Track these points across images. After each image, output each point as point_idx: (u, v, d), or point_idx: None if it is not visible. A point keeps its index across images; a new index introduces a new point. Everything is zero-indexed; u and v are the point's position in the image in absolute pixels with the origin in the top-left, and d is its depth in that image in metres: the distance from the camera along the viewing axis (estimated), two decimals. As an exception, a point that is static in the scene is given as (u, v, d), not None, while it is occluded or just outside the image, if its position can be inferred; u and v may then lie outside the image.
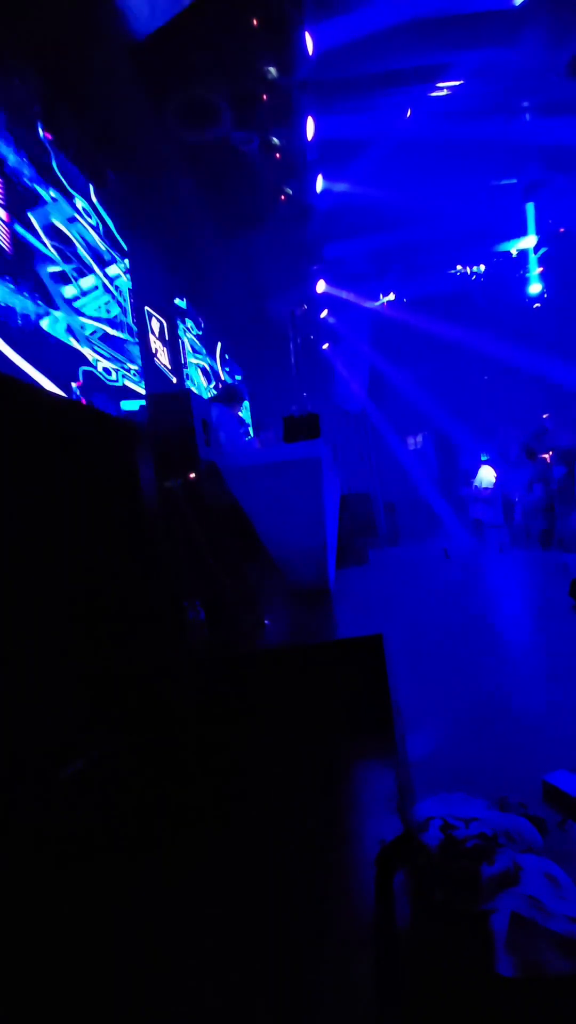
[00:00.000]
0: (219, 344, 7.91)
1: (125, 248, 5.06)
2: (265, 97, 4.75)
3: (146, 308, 5.41)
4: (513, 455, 7.14)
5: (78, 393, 4.08)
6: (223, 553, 3.57)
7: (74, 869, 1.49)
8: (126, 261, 5.05)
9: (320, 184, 6.41)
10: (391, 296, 9.01)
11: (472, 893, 0.84)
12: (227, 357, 8.48)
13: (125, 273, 4.98)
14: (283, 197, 6.08)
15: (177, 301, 6.52)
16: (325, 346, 9.85)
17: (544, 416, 7.41)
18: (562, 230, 7.53)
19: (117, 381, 4.62)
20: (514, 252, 7.85)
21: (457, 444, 8.87)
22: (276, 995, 1.02)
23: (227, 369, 8.22)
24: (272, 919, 1.22)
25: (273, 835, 1.54)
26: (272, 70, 4.38)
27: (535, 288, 8.40)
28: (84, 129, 4.43)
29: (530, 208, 7.08)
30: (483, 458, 7.31)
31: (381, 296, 8.87)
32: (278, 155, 5.39)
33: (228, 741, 2.13)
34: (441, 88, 5.39)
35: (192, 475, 3.67)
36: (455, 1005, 0.81)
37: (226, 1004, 1.02)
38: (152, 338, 5.54)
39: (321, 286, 8.66)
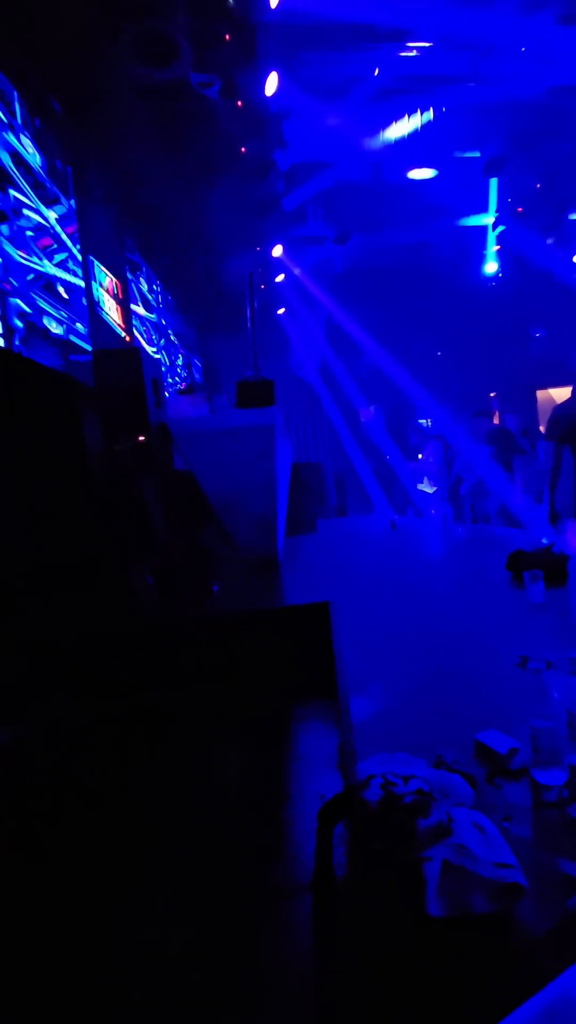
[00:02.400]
0: (169, 299, 7.61)
1: (71, 190, 4.73)
2: (228, 37, 4.47)
3: (92, 257, 5.11)
4: (458, 432, 7.34)
5: (19, 344, 3.84)
6: (173, 518, 3.52)
7: (18, 840, 1.48)
8: (71, 201, 4.73)
9: (282, 142, 6.18)
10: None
11: (408, 844, 0.89)
12: (181, 316, 8.19)
13: (68, 217, 4.66)
14: (243, 150, 5.82)
15: (127, 252, 6.20)
16: (281, 311, 9.67)
17: (491, 395, 7.64)
18: (520, 210, 7.61)
19: (63, 335, 4.37)
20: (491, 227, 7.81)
21: (408, 418, 9.02)
22: (219, 941, 1.07)
23: (171, 331, 7.93)
24: (215, 870, 1.26)
25: (218, 793, 1.58)
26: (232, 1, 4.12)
27: (491, 267, 8.50)
28: (28, 56, 4.04)
29: (493, 184, 7.08)
30: (423, 421, 7.46)
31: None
32: (240, 103, 5.12)
33: (174, 704, 2.14)
34: (411, 48, 5.25)
35: (142, 437, 3.56)
36: (387, 944, 0.87)
37: (171, 952, 1.05)
38: (100, 290, 5.26)
39: (278, 250, 8.43)
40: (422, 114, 6.14)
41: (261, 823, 1.43)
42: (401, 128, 6.28)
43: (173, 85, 4.73)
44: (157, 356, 6.92)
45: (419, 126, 6.20)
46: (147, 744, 1.90)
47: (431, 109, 6.09)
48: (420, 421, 8.52)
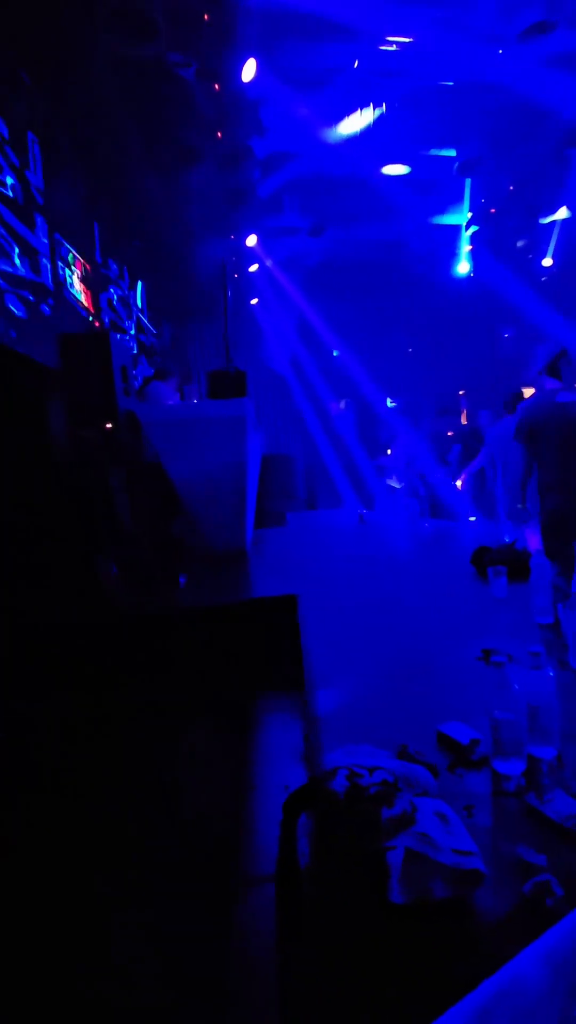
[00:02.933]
0: (140, 283, 7.44)
1: (39, 159, 4.55)
2: (207, 18, 4.37)
3: (59, 234, 4.94)
4: (427, 429, 7.44)
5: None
6: (140, 508, 3.47)
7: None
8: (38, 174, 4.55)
9: (259, 130, 6.10)
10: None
11: (372, 833, 0.91)
12: (151, 301, 8.02)
13: (35, 191, 4.49)
14: (219, 135, 5.71)
15: (96, 232, 6.02)
16: (254, 301, 9.58)
17: (460, 393, 7.76)
18: (493, 211, 7.72)
19: (27, 317, 4.22)
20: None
21: (379, 413, 9.09)
22: (183, 929, 1.06)
23: (145, 314, 7.77)
24: (180, 860, 1.26)
25: (183, 784, 1.57)
26: None
27: (463, 267, 8.60)
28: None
29: (468, 184, 7.14)
30: (391, 408, 7.51)
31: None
32: (216, 87, 5.02)
33: (139, 696, 2.11)
34: (391, 43, 5.23)
35: (109, 425, 3.48)
36: (350, 932, 0.88)
37: (136, 939, 1.05)
38: (68, 271, 5.10)
39: (252, 240, 8.34)
40: (375, 109, 6.15)
41: (226, 814, 1.42)
42: (355, 123, 6.29)
43: (148, 63, 4.60)
44: (128, 340, 6.77)
45: (371, 121, 6.22)
46: (112, 736, 1.87)
47: (384, 104, 6.10)
48: (391, 416, 8.59)
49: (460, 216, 7.86)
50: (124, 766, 1.68)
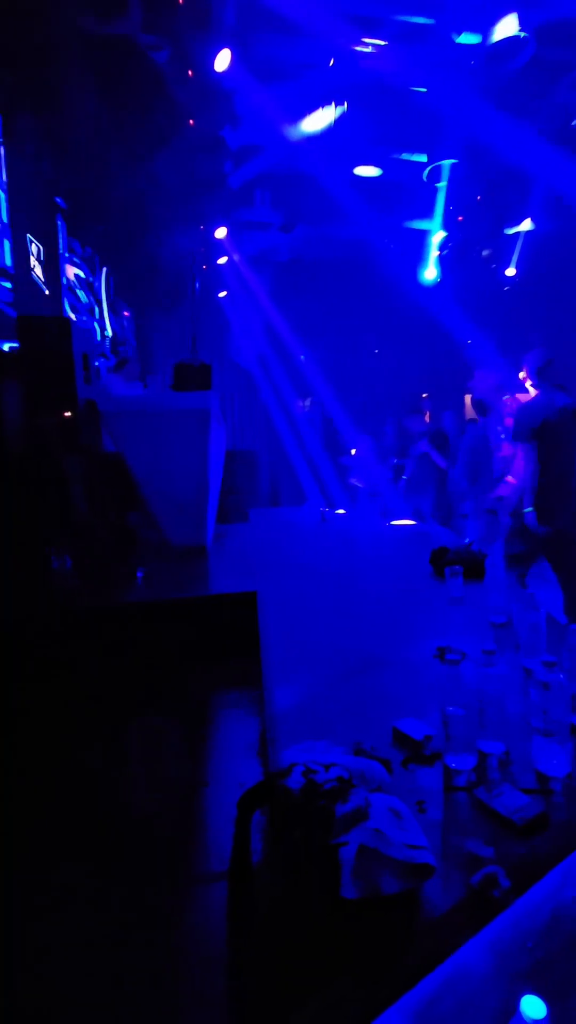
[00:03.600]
0: (104, 269, 7.25)
1: None
2: (181, 1, 4.28)
3: (20, 215, 4.76)
4: (389, 431, 7.55)
5: None
6: (98, 500, 3.38)
7: None
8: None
9: (233, 120, 6.02)
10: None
11: (327, 829, 0.91)
12: (115, 289, 7.83)
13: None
14: (191, 122, 5.61)
15: (60, 215, 5.82)
16: (222, 294, 9.48)
17: (424, 396, 7.90)
18: (460, 219, 7.87)
19: None
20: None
21: (344, 411, 9.16)
22: (134, 926, 1.04)
23: (112, 301, 7.58)
24: (132, 857, 1.23)
25: (138, 781, 1.54)
26: None
27: (430, 273, 8.74)
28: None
29: (442, 189, 7.23)
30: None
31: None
32: (190, 73, 4.92)
33: (92, 691, 2.06)
34: (367, 44, 5.25)
35: (68, 414, 3.38)
36: (301, 927, 0.88)
37: (86, 936, 1.02)
38: (29, 253, 4.92)
39: (221, 232, 8.24)
40: (336, 107, 6.19)
41: (180, 812, 1.41)
42: (320, 119, 6.31)
43: (119, 43, 4.47)
44: (89, 326, 6.58)
45: (333, 120, 6.26)
46: (65, 731, 1.82)
47: (345, 103, 6.15)
48: (355, 416, 8.66)
49: (432, 223, 7.98)
50: (74, 762, 1.64)
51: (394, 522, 5.39)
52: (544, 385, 3.39)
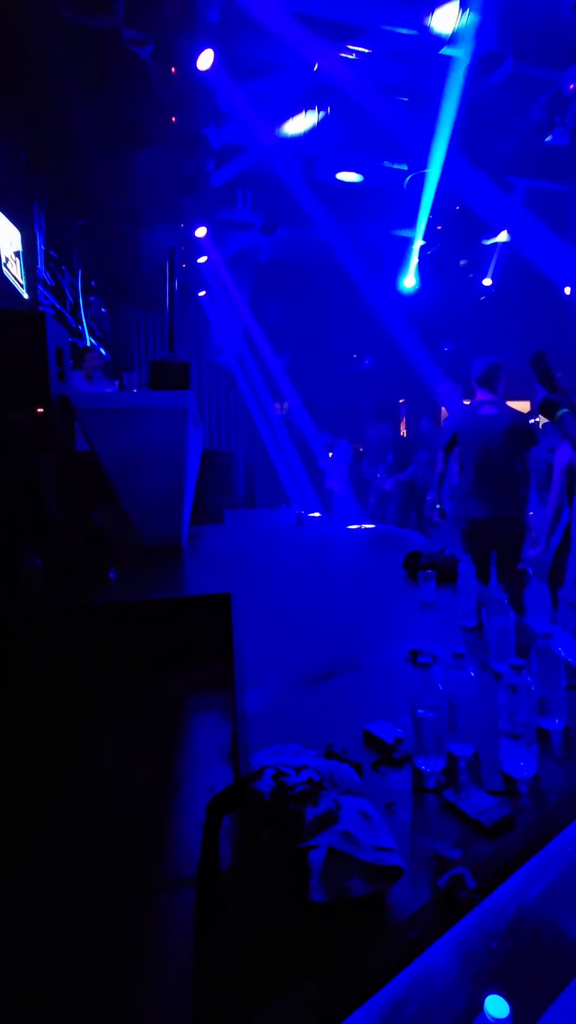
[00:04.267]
0: (81, 264, 7.14)
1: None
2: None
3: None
4: (370, 436, 7.62)
5: None
6: (70, 499, 3.32)
7: None
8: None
9: (217, 119, 6.01)
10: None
11: (296, 833, 0.91)
12: (92, 284, 7.72)
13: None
14: (173, 119, 5.57)
15: (35, 206, 5.71)
16: (202, 293, 9.43)
17: (400, 402, 7.99)
18: (439, 228, 8.00)
19: None
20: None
21: (321, 415, 9.19)
22: (101, 931, 1.02)
23: (90, 299, 7.47)
24: (100, 862, 1.21)
25: (106, 784, 1.51)
26: None
27: (409, 281, 8.85)
28: None
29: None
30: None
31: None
32: (173, 69, 4.89)
33: (62, 693, 2.02)
34: (351, 52, 5.30)
35: (40, 409, 3.31)
36: (268, 931, 0.88)
37: (53, 942, 1.00)
38: (2, 244, 4.81)
39: (202, 231, 8.20)
40: (319, 112, 6.27)
41: (148, 816, 1.39)
42: (302, 123, 6.38)
43: (103, 35, 4.41)
44: (62, 321, 6.46)
45: (315, 123, 6.34)
46: (32, 733, 1.78)
47: (328, 108, 6.23)
48: (333, 420, 8.70)
49: (414, 231, 8.08)
50: (41, 764, 1.60)
51: (352, 526, 5.45)
52: (483, 392, 3.58)
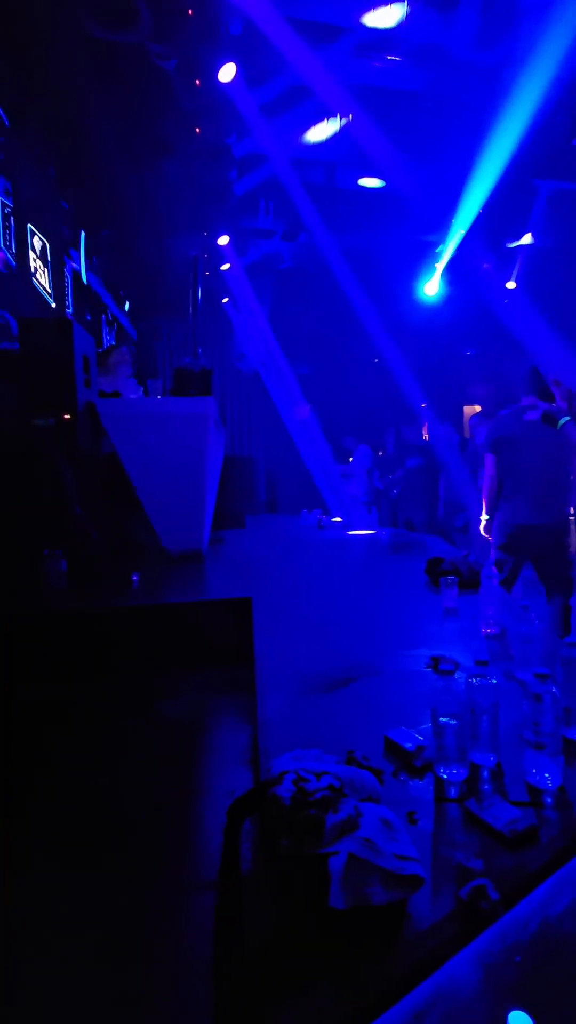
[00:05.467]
0: (107, 273, 7.28)
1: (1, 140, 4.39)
2: (191, 12, 4.33)
3: (28, 225, 4.78)
4: (388, 441, 7.58)
5: None
6: (94, 503, 3.38)
7: None
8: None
9: (240, 129, 6.09)
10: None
11: (316, 839, 0.91)
12: (121, 293, 7.87)
13: None
14: (197, 130, 5.66)
15: (64, 217, 5.86)
16: (225, 300, 9.52)
17: (423, 405, 7.93)
18: (462, 232, 7.95)
19: None
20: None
21: (342, 420, 9.18)
22: (120, 934, 1.03)
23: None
24: (120, 865, 1.23)
25: (127, 787, 1.53)
26: None
27: (432, 288, 8.79)
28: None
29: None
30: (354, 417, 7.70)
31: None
32: (198, 82, 4.97)
33: (86, 695, 2.05)
34: (375, 58, 5.33)
35: (67, 416, 3.38)
36: (288, 936, 0.88)
37: (73, 945, 1.01)
38: (32, 255, 4.94)
39: (224, 240, 8.30)
40: (342, 118, 6.29)
41: (169, 819, 1.40)
42: (325, 130, 6.41)
43: (128, 50, 4.52)
44: (91, 330, 6.60)
45: (337, 129, 6.35)
46: (54, 735, 1.81)
47: (350, 115, 6.25)
48: (353, 425, 8.68)
49: (436, 236, 8.02)
50: (63, 766, 1.63)
51: (372, 531, 5.42)
52: (529, 397, 3.46)
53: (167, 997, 0.91)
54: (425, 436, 7.68)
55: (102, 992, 0.93)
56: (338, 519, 6.20)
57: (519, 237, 7.94)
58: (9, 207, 4.43)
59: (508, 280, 8.48)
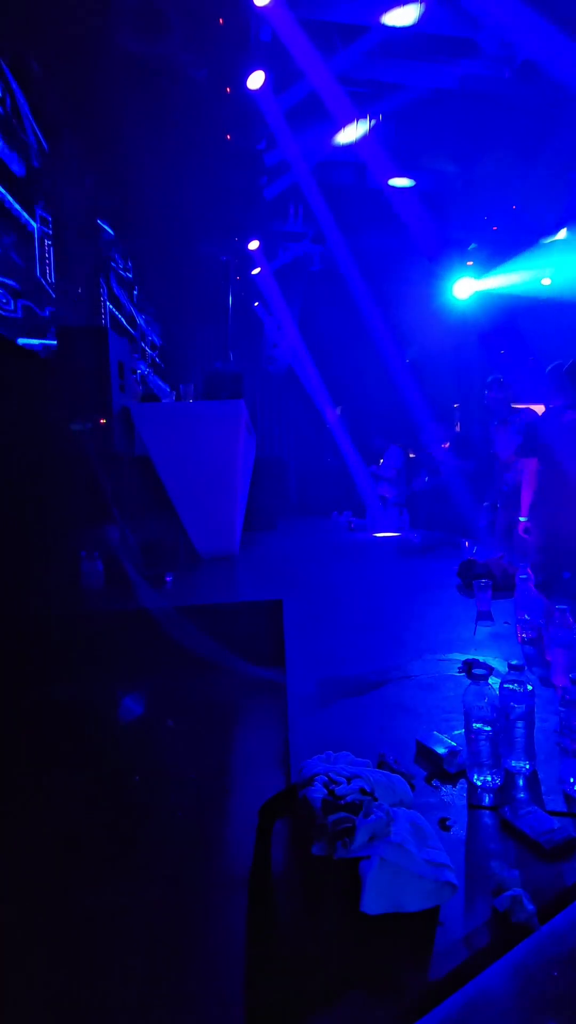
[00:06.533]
0: (142, 280, 7.43)
1: (46, 149, 4.53)
2: (222, 21, 4.39)
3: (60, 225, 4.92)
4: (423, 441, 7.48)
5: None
6: (129, 505, 3.45)
7: None
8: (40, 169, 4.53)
9: (269, 135, 6.14)
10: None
11: (347, 843, 0.90)
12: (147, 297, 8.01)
13: (39, 184, 4.45)
14: (228, 137, 5.73)
15: (101, 226, 6.01)
16: (256, 303, 9.59)
17: (455, 406, 7.81)
18: (495, 228, 7.80)
19: (15, 312, 4.14)
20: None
21: (372, 421, 9.12)
22: (153, 929, 1.05)
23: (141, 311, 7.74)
24: (153, 861, 1.25)
25: (160, 786, 1.55)
26: None
27: (463, 288, 8.65)
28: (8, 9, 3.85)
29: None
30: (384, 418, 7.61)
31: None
32: (228, 89, 5.03)
33: (121, 693, 2.10)
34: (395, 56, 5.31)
35: (103, 420, 3.47)
36: (319, 939, 0.88)
37: (104, 937, 1.04)
38: (67, 261, 5.08)
39: (254, 245, 8.37)
40: (371, 120, 6.24)
41: (202, 817, 1.42)
42: (354, 132, 6.36)
43: (161, 61, 4.61)
44: (130, 337, 6.74)
45: (367, 131, 6.30)
46: (90, 733, 1.85)
47: (380, 115, 6.19)
48: (385, 426, 8.62)
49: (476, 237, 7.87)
50: (95, 763, 1.67)
51: (384, 534, 5.35)
52: (566, 396, 3.35)
53: (195, 991, 0.92)
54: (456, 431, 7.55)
55: (129, 982, 0.95)
56: (369, 521, 6.15)
57: (554, 232, 7.73)
58: (49, 233, 4.57)
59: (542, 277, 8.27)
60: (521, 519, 3.41)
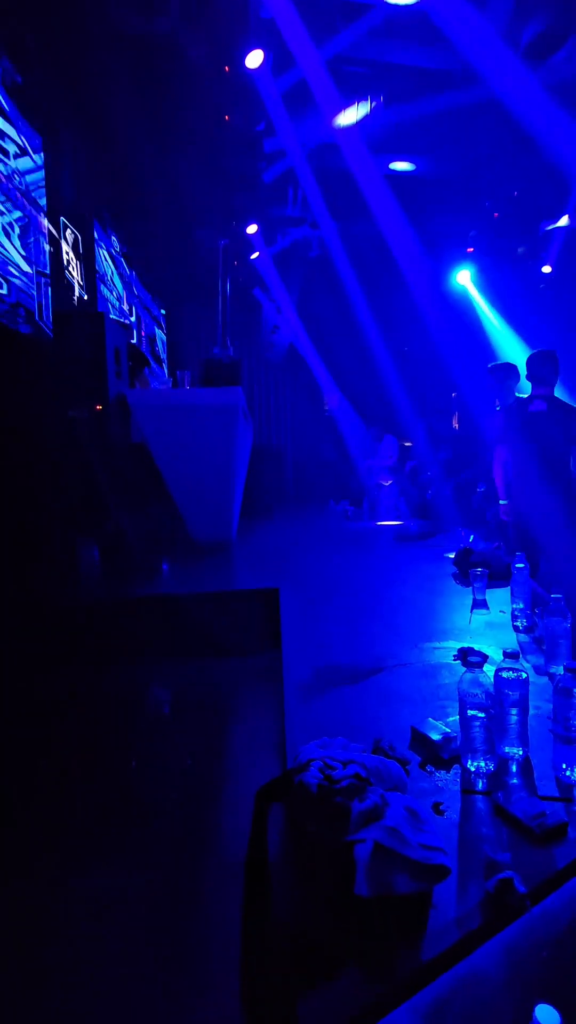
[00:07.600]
0: (138, 263, 7.33)
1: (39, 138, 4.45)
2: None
3: (61, 218, 4.84)
4: (418, 432, 7.48)
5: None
6: (125, 493, 3.44)
7: None
8: (39, 156, 4.44)
9: (268, 118, 6.02)
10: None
11: (342, 826, 0.91)
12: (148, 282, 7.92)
13: (30, 170, 4.37)
14: (227, 118, 5.62)
15: (96, 211, 5.91)
16: (253, 290, 9.49)
17: (452, 395, 7.79)
18: (496, 215, 7.72)
19: (10, 296, 4.08)
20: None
21: (369, 412, 9.09)
22: (149, 911, 1.07)
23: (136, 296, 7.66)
24: (149, 845, 1.26)
25: (154, 773, 1.57)
26: None
27: (464, 277, 8.58)
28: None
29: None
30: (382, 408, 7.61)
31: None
32: (227, 68, 4.93)
33: (118, 682, 2.11)
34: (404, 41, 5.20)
35: (99, 407, 3.44)
36: (313, 921, 0.89)
37: (106, 920, 1.05)
38: (64, 247, 5.00)
39: (252, 229, 8.25)
40: (372, 102, 6.14)
41: (198, 801, 1.43)
42: (353, 114, 6.26)
43: (157, 39, 4.51)
44: (128, 322, 6.67)
45: (367, 112, 6.20)
46: (87, 719, 1.86)
47: (381, 97, 6.09)
48: (381, 416, 8.60)
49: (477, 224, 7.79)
50: (94, 749, 1.68)
51: (382, 523, 5.36)
52: (537, 387, 3.41)
53: (192, 972, 0.93)
54: (455, 425, 7.54)
55: (128, 963, 0.96)
56: (365, 509, 6.15)
57: (556, 219, 7.66)
58: (45, 221, 4.50)
59: (544, 264, 8.21)
60: (501, 502, 3.50)
